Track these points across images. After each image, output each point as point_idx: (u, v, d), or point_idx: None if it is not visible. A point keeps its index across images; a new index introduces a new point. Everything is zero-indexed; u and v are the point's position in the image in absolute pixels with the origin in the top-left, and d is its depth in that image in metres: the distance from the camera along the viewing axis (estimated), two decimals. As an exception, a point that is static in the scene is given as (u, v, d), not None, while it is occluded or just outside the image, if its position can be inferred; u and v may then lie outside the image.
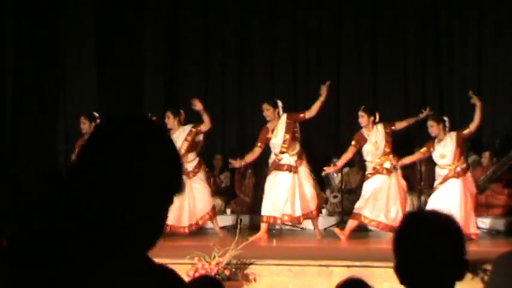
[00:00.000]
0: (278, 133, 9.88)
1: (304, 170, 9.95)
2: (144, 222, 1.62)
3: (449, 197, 9.48)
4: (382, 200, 9.70)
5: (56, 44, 11.24)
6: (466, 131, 9.63)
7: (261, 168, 12.09)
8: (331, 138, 12.48)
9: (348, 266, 7.44)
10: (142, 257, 1.64)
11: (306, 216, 9.88)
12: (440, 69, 12.45)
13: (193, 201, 10.09)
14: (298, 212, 9.79)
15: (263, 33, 12.98)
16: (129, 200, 1.56)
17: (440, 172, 9.73)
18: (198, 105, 10.02)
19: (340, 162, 10.05)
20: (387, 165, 9.78)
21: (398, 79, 12.62)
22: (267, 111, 9.94)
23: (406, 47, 12.61)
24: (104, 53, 11.55)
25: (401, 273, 2.48)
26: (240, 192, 11.99)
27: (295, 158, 9.86)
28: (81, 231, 1.51)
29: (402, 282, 2.45)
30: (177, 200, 1.62)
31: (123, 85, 11.71)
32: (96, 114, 10.34)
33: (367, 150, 9.86)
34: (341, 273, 7.37)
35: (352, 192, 11.64)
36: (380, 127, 9.85)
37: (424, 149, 9.81)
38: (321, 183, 11.07)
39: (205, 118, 10.03)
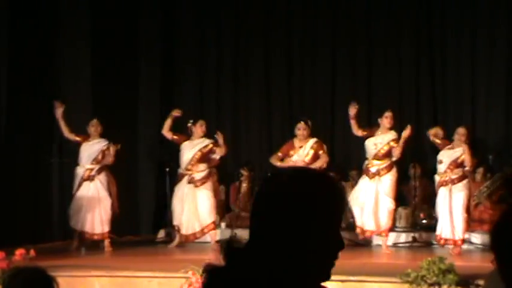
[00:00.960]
0: (303, 154, 10.19)
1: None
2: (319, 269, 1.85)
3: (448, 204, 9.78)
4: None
5: (50, 49, 11.19)
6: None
7: (256, 182, 12.10)
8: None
9: (342, 281, 7.43)
10: None
11: None
12: (434, 79, 12.47)
13: (195, 209, 10.39)
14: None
15: (258, 40, 12.96)
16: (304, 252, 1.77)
17: (436, 178, 10.09)
18: (220, 138, 10.48)
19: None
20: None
21: (392, 89, 12.63)
22: (304, 130, 10.27)
23: (400, 56, 12.62)
24: (98, 58, 11.51)
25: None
26: (235, 206, 11.99)
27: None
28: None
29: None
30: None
31: (118, 91, 11.68)
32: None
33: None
34: (336, 287, 7.38)
35: (347, 206, 11.66)
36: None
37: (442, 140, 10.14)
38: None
39: (223, 147, 10.51)
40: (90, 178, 10.21)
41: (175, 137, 10.59)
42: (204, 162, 10.49)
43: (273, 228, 1.74)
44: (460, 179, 9.92)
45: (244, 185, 12.12)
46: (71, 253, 9.84)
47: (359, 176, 11.65)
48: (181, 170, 10.55)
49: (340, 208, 1.80)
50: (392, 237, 10.50)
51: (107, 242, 10.29)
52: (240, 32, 13.06)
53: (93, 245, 10.28)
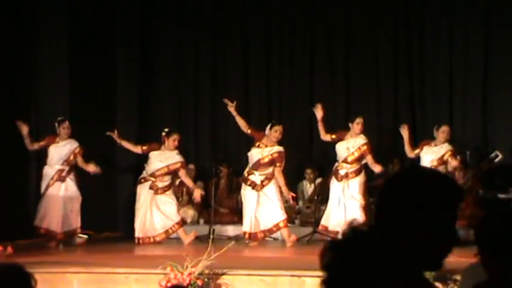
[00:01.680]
0: (263, 152, 10.40)
1: (271, 187, 10.42)
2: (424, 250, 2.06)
3: None
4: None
5: (26, 47, 11.13)
6: (456, 161, 10.33)
7: (234, 178, 12.12)
8: (304, 149, 12.51)
9: (320, 277, 7.44)
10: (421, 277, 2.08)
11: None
12: (412, 78, 12.53)
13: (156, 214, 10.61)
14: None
15: (236, 38, 12.97)
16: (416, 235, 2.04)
17: None
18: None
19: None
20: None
21: (370, 88, 12.69)
22: (279, 134, 10.45)
23: (378, 56, 12.67)
24: (76, 56, 11.46)
25: None
26: (214, 203, 11.98)
27: (262, 178, 10.41)
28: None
29: None
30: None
31: (95, 90, 11.63)
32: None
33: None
34: (313, 283, 7.40)
35: (325, 202, 11.69)
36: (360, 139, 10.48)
37: (417, 150, 10.50)
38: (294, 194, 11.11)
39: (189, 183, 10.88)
40: (61, 179, 10.32)
41: (144, 147, 10.70)
42: (169, 174, 10.70)
43: (398, 218, 2.04)
44: None
45: (222, 181, 12.13)
46: (49, 250, 9.81)
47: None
48: (145, 175, 10.63)
49: (458, 208, 2.05)
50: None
51: (79, 238, 10.49)
52: (218, 29, 13.03)
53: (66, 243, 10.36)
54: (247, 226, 10.35)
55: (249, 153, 10.52)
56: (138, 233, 10.58)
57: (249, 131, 10.55)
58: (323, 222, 10.45)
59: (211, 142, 12.84)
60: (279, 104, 12.79)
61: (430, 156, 10.31)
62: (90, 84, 11.53)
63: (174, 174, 10.79)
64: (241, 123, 10.56)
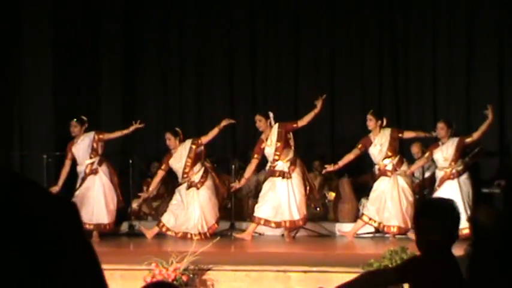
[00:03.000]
0: (272, 142, 10.24)
1: (296, 176, 10.27)
2: None
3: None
4: (388, 202, 10.18)
5: (11, 46, 11.10)
6: (468, 139, 10.17)
7: (219, 175, 12.10)
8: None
9: (305, 272, 7.48)
10: None
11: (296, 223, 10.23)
12: (397, 78, 12.58)
13: (200, 210, 10.42)
14: (296, 216, 10.18)
15: (221, 41, 12.98)
16: None
17: (438, 174, 10.24)
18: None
19: (341, 162, 10.38)
20: (389, 167, 10.25)
21: (355, 87, 12.71)
22: (259, 122, 10.36)
23: (364, 55, 12.71)
24: (60, 56, 11.44)
25: None
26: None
27: (288, 164, 10.22)
28: None
29: None
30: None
31: (80, 89, 11.62)
32: (85, 118, 10.55)
33: (372, 152, 10.37)
34: (298, 278, 7.42)
35: (310, 197, 11.70)
36: (387, 131, 10.33)
37: (427, 154, 10.36)
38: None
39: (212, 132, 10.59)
40: (93, 172, 10.43)
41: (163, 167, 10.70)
42: (197, 162, 10.60)
43: None
44: (465, 169, 10.21)
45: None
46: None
47: (321, 167, 11.74)
48: (180, 180, 10.62)
49: None
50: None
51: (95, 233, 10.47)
52: (203, 28, 13.03)
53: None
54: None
55: (266, 153, 10.35)
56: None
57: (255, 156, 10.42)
58: (386, 222, 10.21)
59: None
60: (264, 104, 12.79)
61: (443, 154, 10.23)
62: (74, 87, 11.51)
63: (200, 159, 10.66)
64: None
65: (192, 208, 10.39)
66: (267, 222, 10.25)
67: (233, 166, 11.32)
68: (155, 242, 10.35)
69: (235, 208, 11.23)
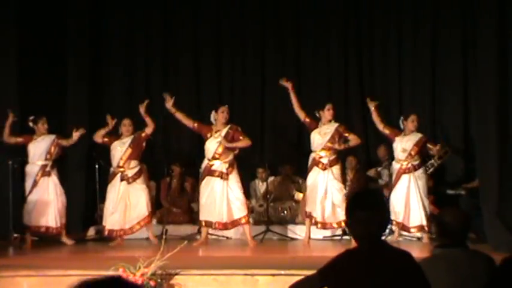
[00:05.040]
0: (216, 138, 10.10)
1: (234, 177, 10.11)
2: None
3: (407, 192, 10.13)
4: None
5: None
6: (430, 146, 10.33)
7: (186, 178, 12.08)
8: (256, 148, 12.52)
9: (273, 275, 7.48)
10: None
11: (236, 223, 10.05)
12: (361, 70, 12.65)
13: (129, 207, 10.37)
14: (226, 218, 10.06)
15: (187, 39, 12.97)
16: None
17: (395, 167, 10.34)
18: (142, 109, 10.46)
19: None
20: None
21: (321, 81, 12.76)
22: (227, 114, 10.18)
23: (329, 50, 12.77)
24: (25, 60, 11.32)
25: None
26: (166, 202, 11.95)
27: (226, 165, 10.09)
28: None
29: None
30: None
31: (45, 93, 11.52)
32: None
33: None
34: (266, 281, 7.42)
35: (277, 201, 11.73)
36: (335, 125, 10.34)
37: (387, 131, 10.38)
38: (246, 192, 11.11)
39: (149, 121, 10.45)
40: (47, 173, 10.36)
41: (105, 139, 10.53)
42: (135, 158, 10.49)
43: None
44: (420, 165, 10.24)
45: (174, 181, 12.09)
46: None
47: (291, 170, 11.80)
48: (112, 169, 10.53)
49: None
50: (322, 232, 10.61)
51: (65, 237, 10.44)
52: (169, 26, 13.01)
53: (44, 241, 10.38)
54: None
55: (206, 147, 10.27)
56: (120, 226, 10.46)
57: (195, 125, 10.38)
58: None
59: (164, 142, 12.77)
60: (231, 102, 12.79)
61: (403, 145, 10.28)
62: (40, 88, 11.41)
63: (139, 155, 10.62)
64: (184, 119, 10.29)
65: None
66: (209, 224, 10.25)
67: (200, 170, 11.29)
68: (123, 247, 10.28)
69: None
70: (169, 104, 10.25)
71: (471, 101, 11.71)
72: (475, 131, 10.72)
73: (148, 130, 10.51)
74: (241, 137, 10.18)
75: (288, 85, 10.30)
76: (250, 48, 12.98)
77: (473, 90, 11.14)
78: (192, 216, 11.40)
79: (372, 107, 10.39)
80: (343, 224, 10.06)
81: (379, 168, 11.75)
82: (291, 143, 12.81)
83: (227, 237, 10.75)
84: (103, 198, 11.47)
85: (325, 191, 10.21)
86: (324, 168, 10.20)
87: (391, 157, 11.01)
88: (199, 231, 10.76)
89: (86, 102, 12.23)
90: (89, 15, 12.50)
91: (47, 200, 10.33)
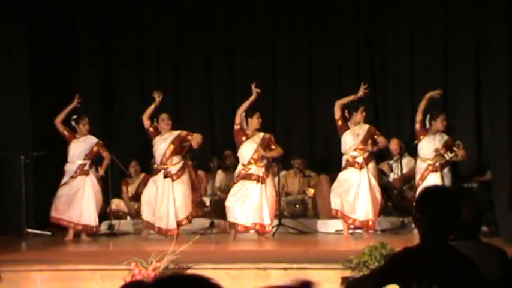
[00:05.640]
0: (251, 144, 10.16)
1: (270, 181, 10.29)
2: None
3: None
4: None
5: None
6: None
7: (197, 172, 12.08)
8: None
9: (285, 269, 7.48)
10: None
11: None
12: (374, 71, 12.62)
13: (173, 204, 10.30)
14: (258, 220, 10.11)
15: (198, 38, 12.97)
16: None
17: (421, 166, 10.31)
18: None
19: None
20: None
21: (333, 82, 12.75)
22: (260, 119, 10.27)
23: (341, 50, 12.75)
24: (37, 56, 11.36)
25: None
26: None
27: (263, 169, 10.16)
28: None
29: None
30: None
31: (57, 89, 11.55)
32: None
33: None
34: (278, 275, 7.42)
35: (289, 195, 11.73)
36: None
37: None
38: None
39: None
40: (84, 172, 10.45)
41: (151, 129, 10.48)
42: (178, 154, 10.49)
43: None
44: (446, 163, 10.22)
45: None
46: (11, 248, 9.69)
47: (303, 164, 11.79)
48: (156, 165, 10.53)
49: None
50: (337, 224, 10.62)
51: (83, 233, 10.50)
52: (181, 23, 13.02)
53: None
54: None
55: (241, 153, 10.26)
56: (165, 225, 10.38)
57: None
58: (348, 214, 10.24)
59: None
60: (243, 101, 12.80)
61: (432, 144, 10.24)
62: (51, 88, 11.46)
63: (182, 151, 10.60)
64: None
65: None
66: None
67: (211, 164, 11.31)
68: (134, 242, 10.31)
69: (214, 206, 11.23)
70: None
71: (483, 99, 11.68)
72: (487, 125, 10.69)
73: (194, 143, 10.48)
74: (273, 146, 10.27)
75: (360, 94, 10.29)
76: (262, 48, 12.98)
77: (485, 88, 11.11)
78: (204, 210, 11.41)
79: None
80: (370, 223, 10.10)
81: (390, 162, 11.73)
82: (303, 139, 12.81)
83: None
84: (115, 194, 11.53)
85: (361, 188, 10.19)
86: (361, 167, 10.21)
87: (403, 151, 11.00)
88: (211, 226, 10.77)
89: (97, 101, 12.28)
90: (101, 15, 12.54)
91: (81, 197, 10.39)
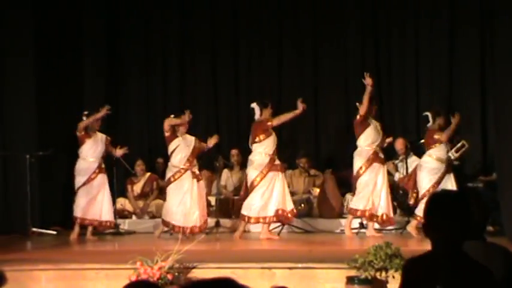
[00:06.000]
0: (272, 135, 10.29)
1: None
2: None
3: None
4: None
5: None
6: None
7: (202, 171, 12.08)
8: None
9: (290, 268, 7.48)
10: None
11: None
12: (379, 71, 12.60)
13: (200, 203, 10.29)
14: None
15: (204, 39, 12.97)
16: None
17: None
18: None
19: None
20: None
21: (339, 81, 12.74)
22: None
23: (347, 49, 12.75)
24: (42, 56, 11.39)
25: None
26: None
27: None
28: None
29: None
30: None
31: (62, 89, 11.59)
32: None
33: None
34: (283, 275, 7.42)
35: (295, 194, 11.72)
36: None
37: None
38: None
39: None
40: (102, 171, 10.54)
41: (168, 133, 10.43)
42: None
43: None
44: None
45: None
46: (17, 247, 9.71)
47: (309, 164, 11.78)
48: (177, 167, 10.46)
49: None
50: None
51: (89, 233, 10.54)
52: (186, 23, 13.03)
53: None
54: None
55: (268, 143, 10.25)
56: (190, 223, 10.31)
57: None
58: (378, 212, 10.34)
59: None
60: (248, 100, 12.82)
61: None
62: (56, 75, 11.52)
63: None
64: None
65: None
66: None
67: (217, 164, 11.31)
68: (140, 241, 10.32)
69: (219, 205, 11.23)
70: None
71: (489, 97, 11.65)
72: (493, 125, 10.67)
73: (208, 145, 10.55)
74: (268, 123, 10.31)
75: (369, 81, 10.22)
76: (267, 47, 12.98)
77: (491, 87, 11.08)
78: (209, 209, 11.41)
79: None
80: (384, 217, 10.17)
81: (396, 161, 11.71)
82: (308, 138, 12.80)
83: (245, 231, 10.68)
84: (120, 193, 11.54)
85: (381, 185, 10.23)
86: (383, 163, 10.28)
87: (408, 150, 10.99)
88: (216, 225, 10.77)
89: (103, 101, 12.26)
90: (106, 15, 12.56)
91: (103, 195, 10.50)
